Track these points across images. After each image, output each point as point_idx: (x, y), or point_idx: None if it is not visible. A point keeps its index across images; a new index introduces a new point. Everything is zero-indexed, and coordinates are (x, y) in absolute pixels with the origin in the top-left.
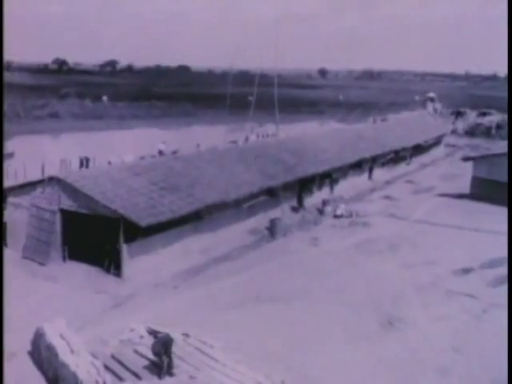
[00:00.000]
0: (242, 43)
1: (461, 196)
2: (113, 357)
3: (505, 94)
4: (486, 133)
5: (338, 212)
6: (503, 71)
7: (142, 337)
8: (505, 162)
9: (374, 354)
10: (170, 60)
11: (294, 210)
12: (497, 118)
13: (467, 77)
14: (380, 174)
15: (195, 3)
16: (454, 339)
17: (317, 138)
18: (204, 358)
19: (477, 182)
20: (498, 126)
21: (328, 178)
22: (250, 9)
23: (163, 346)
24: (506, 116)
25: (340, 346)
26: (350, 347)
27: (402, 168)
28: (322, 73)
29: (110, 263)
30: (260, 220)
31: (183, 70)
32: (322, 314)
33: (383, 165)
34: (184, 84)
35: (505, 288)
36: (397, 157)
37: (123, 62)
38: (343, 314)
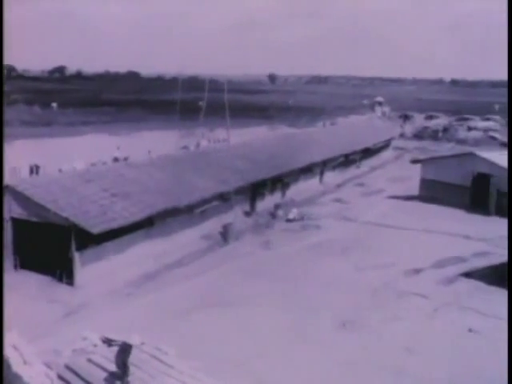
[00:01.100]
0: (192, 50)
1: (410, 198)
2: (67, 367)
3: (451, 97)
4: (433, 135)
5: (290, 216)
6: (449, 76)
7: (95, 345)
8: (452, 163)
9: (329, 356)
10: (120, 66)
11: (247, 214)
12: (443, 121)
13: (414, 81)
14: (331, 177)
15: (144, 10)
16: (406, 339)
17: (268, 142)
18: (159, 365)
19: (425, 183)
20: (445, 129)
21: (279, 182)
22: (199, 16)
23: (124, 354)
24: (452, 119)
25: (294, 349)
26: (305, 350)
27: (352, 171)
28: (272, 78)
29: (62, 272)
30: (213, 225)
31: (133, 76)
32: (276, 317)
33: (334, 168)
34: (134, 90)
35: (454, 287)
36: (347, 160)
37: (72, 69)
38: (297, 317)
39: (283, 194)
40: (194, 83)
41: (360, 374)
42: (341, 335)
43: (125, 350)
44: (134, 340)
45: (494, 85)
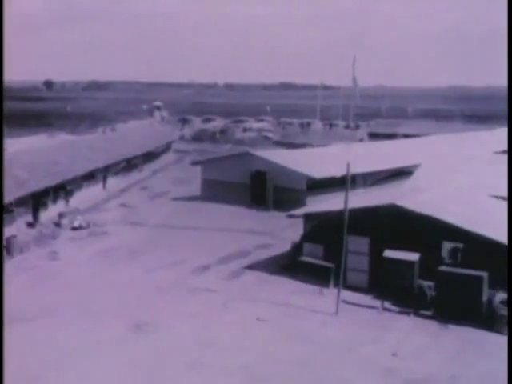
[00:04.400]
0: None
1: (193, 198)
2: None
3: (225, 100)
4: (212, 137)
5: (76, 224)
6: (223, 80)
7: None
8: (230, 163)
9: (125, 358)
10: None
11: (30, 225)
12: (220, 123)
13: (190, 85)
14: (114, 182)
15: None
16: (200, 334)
17: (47, 150)
18: None
19: (207, 183)
20: (222, 131)
21: (62, 190)
22: None
23: None
24: (228, 121)
25: (91, 356)
26: (101, 356)
27: (135, 175)
28: (48, 84)
29: None
30: None
31: None
32: (70, 327)
33: (117, 173)
34: None
35: (241, 279)
36: (129, 165)
37: None
38: (90, 323)
39: (67, 202)
40: None
41: (157, 372)
42: (134, 337)
43: None
44: None
45: (265, 87)
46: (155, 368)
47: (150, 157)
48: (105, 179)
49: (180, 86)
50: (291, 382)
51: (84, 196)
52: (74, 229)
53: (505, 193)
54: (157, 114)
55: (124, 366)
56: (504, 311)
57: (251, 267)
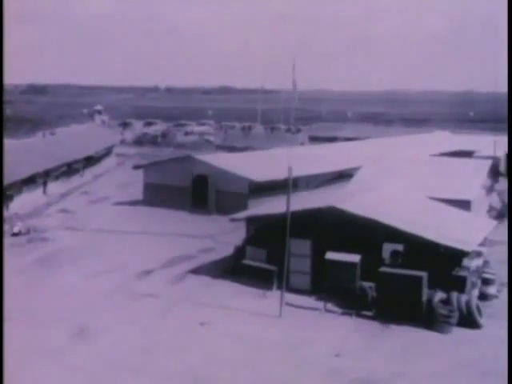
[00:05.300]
0: None
1: (135, 202)
2: None
3: (167, 104)
4: (153, 141)
5: (15, 230)
6: (164, 83)
7: None
8: (172, 167)
9: (69, 365)
10: None
11: None
12: (161, 127)
13: (131, 89)
14: (55, 187)
15: None
16: (143, 339)
17: None
18: None
19: (149, 188)
20: (164, 135)
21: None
22: None
23: None
24: (169, 124)
25: (33, 363)
26: (43, 363)
27: (76, 180)
28: None
29: None
30: None
31: None
32: (10, 335)
33: (57, 178)
34: None
35: (184, 284)
36: (70, 169)
37: None
38: (31, 330)
39: (7, 208)
40: None
41: (97, 379)
42: (77, 343)
43: None
44: None
45: (205, 92)
46: (98, 374)
47: (91, 161)
48: (45, 184)
49: (120, 89)
50: None
51: (24, 201)
52: (14, 235)
53: (442, 194)
54: (97, 117)
55: (66, 372)
56: (443, 310)
57: (194, 271)
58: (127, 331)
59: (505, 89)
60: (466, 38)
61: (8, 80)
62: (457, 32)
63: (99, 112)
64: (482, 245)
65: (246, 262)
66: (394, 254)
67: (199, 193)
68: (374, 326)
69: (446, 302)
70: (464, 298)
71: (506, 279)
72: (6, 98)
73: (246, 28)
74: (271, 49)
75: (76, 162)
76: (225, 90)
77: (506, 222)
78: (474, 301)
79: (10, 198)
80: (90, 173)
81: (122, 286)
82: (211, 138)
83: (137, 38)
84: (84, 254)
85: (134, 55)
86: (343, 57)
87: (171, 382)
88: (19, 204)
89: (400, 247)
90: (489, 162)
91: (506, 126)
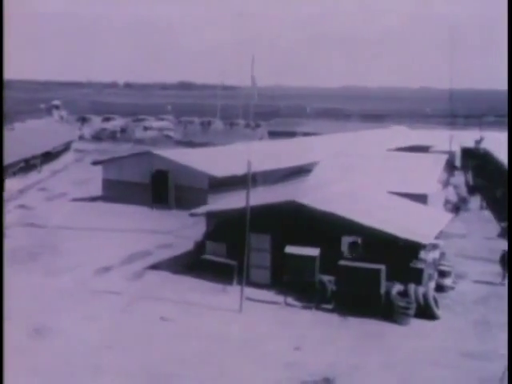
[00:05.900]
0: None
1: (94, 199)
2: None
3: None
4: (112, 136)
5: None
6: (123, 79)
7: None
8: (131, 162)
9: (26, 365)
10: None
11: None
12: (120, 122)
13: (89, 84)
14: (12, 183)
15: None
16: (104, 337)
17: None
18: None
19: (108, 183)
20: (122, 130)
21: None
22: None
23: None
24: (128, 120)
25: None
26: (4, 364)
27: (33, 176)
28: None
29: None
30: None
31: None
32: None
33: (14, 174)
34: None
35: (144, 280)
36: (27, 165)
37: None
38: None
39: None
40: None
41: (56, 378)
42: (35, 342)
43: None
44: None
45: (164, 87)
46: (56, 373)
47: (48, 157)
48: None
49: (78, 84)
50: (194, 380)
51: None
52: None
53: (400, 188)
54: (55, 113)
55: (24, 372)
56: (401, 302)
57: (154, 267)
58: (87, 328)
59: (461, 86)
60: (421, 36)
61: None
62: (412, 30)
63: (57, 107)
64: (438, 237)
65: (206, 256)
66: (353, 245)
67: (159, 188)
68: (332, 319)
69: (404, 293)
70: (421, 289)
71: (461, 271)
72: None
73: (206, 24)
74: (231, 45)
75: (34, 157)
76: (184, 86)
77: (461, 215)
78: (431, 292)
79: None
80: (48, 169)
81: (81, 282)
82: (170, 134)
83: (95, 33)
84: (42, 251)
85: (92, 50)
86: (303, 54)
87: (131, 378)
88: None
89: (359, 240)
90: (445, 157)
91: (461, 121)
